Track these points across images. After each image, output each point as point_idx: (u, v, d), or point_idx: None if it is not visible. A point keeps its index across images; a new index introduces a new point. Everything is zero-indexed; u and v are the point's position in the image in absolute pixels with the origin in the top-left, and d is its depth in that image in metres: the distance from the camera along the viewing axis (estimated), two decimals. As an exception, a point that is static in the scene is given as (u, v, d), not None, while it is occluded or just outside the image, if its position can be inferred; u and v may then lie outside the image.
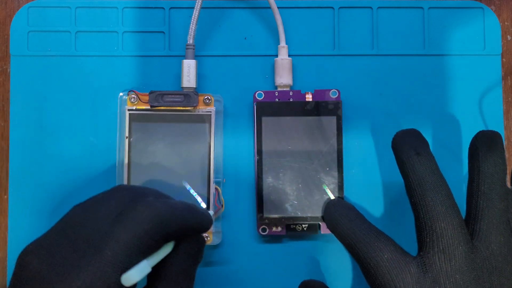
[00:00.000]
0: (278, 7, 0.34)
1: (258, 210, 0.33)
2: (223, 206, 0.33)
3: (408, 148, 0.27)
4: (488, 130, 0.28)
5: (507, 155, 0.35)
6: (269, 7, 0.34)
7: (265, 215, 0.33)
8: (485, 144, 0.27)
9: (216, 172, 0.33)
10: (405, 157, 0.27)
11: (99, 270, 0.22)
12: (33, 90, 0.34)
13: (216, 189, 0.32)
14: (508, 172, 0.34)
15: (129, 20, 0.35)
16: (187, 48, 0.33)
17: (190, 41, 0.33)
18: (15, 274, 0.23)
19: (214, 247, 0.33)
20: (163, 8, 0.35)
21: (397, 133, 0.28)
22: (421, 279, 0.25)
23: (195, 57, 0.33)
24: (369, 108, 0.34)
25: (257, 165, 0.33)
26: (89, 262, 0.22)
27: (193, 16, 0.33)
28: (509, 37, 0.36)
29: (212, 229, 0.32)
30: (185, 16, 0.35)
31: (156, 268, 0.25)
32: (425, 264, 0.25)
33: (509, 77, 0.35)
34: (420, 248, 0.26)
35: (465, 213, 0.28)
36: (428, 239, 0.26)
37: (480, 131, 0.28)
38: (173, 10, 0.35)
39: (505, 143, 0.35)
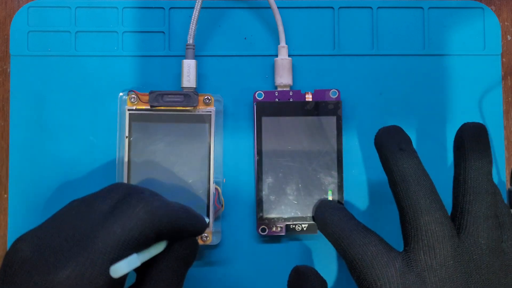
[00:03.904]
0: (278, 7, 0.34)
1: (258, 210, 0.33)
2: (223, 206, 0.33)
3: (391, 144, 0.27)
4: (473, 123, 0.28)
5: (507, 155, 0.35)
6: (269, 7, 0.34)
7: (265, 215, 0.33)
8: (471, 137, 0.27)
9: (216, 172, 0.33)
10: (389, 153, 0.27)
11: (88, 260, 0.22)
12: (33, 90, 0.34)
13: (216, 189, 0.32)
14: (508, 172, 0.34)
15: (129, 20, 0.35)
16: (187, 48, 0.33)
17: (190, 41, 0.33)
18: (6, 258, 0.23)
19: (214, 247, 0.33)
20: (163, 8, 0.35)
21: (379, 130, 0.28)
22: (406, 274, 0.24)
23: (195, 57, 0.33)
24: (369, 108, 0.35)
25: (257, 165, 0.33)
26: (79, 252, 0.22)
27: (193, 16, 0.33)
28: (509, 37, 0.36)
29: (211, 229, 0.32)
30: (185, 16, 0.35)
31: (145, 266, 0.25)
32: (409, 259, 0.25)
33: (509, 77, 0.35)
34: (405, 244, 0.26)
35: (452, 207, 0.27)
36: (412, 234, 0.25)
37: (465, 123, 0.28)
38: (173, 10, 0.35)
39: (505, 143, 0.35)
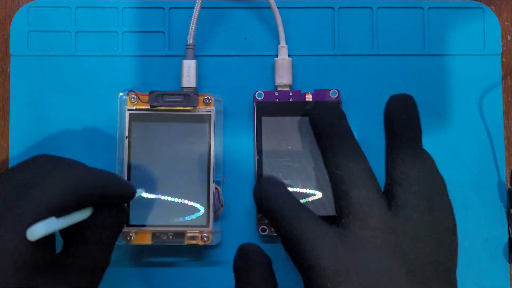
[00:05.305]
0: (278, 7, 0.34)
1: (258, 210, 0.33)
2: (223, 205, 0.33)
3: (322, 120, 0.27)
4: (400, 94, 0.28)
5: (507, 155, 0.35)
6: (269, 7, 0.34)
7: (265, 215, 0.33)
8: (397, 108, 0.27)
9: (216, 171, 0.33)
10: (320, 129, 0.27)
11: (2, 229, 0.22)
12: (33, 90, 0.34)
13: (216, 188, 0.32)
14: (508, 172, 0.34)
15: (129, 20, 0.35)
16: (187, 48, 0.33)
17: (190, 41, 0.33)
18: None
19: (214, 247, 0.33)
20: (163, 8, 0.35)
21: (313, 107, 0.28)
22: (338, 248, 0.24)
23: (195, 57, 0.33)
24: (369, 108, 0.34)
25: (257, 165, 0.33)
26: None
27: (193, 16, 0.33)
28: (509, 37, 0.36)
29: (211, 228, 0.32)
30: (185, 16, 0.35)
31: (71, 234, 0.25)
32: (342, 234, 0.25)
33: (509, 77, 0.35)
34: (338, 217, 0.26)
35: (385, 180, 0.27)
36: (343, 207, 0.25)
37: (392, 96, 0.28)
38: (173, 10, 0.35)
39: (505, 143, 0.35)
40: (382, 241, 0.24)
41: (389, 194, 0.26)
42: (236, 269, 0.27)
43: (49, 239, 0.23)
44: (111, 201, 0.26)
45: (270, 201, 0.27)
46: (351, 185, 0.26)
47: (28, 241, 0.22)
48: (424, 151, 0.27)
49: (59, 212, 0.23)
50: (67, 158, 0.26)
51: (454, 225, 0.26)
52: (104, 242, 0.26)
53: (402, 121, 0.27)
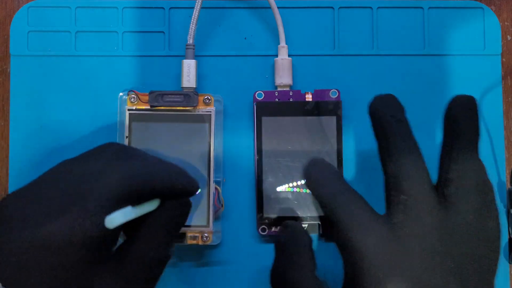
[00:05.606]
0: (278, 7, 0.34)
1: (258, 210, 0.33)
2: (223, 206, 0.33)
3: (386, 112, 0.27)
4: (465, 96, 0.28)
5: (507, 155, 0.35)
6: (269, 7, 0.34)
7: (265, 215, 0.33)
8: (460, 109, 0.27)
9: (216, 172, 0.33)
10: (384, 121, 0.27)
11: (82, 211, 0.22)
12: (33, 90, 0.34)
13: (216, 189, 0.32)
14: (508, 172, 0.34)
15: (129, 20, 0.35)
16: (187, 48, 0.33)
17: (190, 41, 0.33)
18: None
19: (214, 247, 0.33)
20: (163, 8, 0.35)
21: (374, 97, 0.28)
22: (390, 241, 0.24)
23: (195, 57, 0.33)
24: (369, 108, 0.34)
25: (257, 165, 0.33)
26: (74, 204, 0.22)
27: (193, 16, 0.33)
28: (509, 37, 0.36)
29: (212, 228, 0.32)
30: (185, 16, 0.35)
31: (136, 224, 0.25)
32: (395, 227, 0.25)
33: (509, 77, 0.35)
34: (388, 208, 0.26)
35: (437, 177, 0.27)
36: (399, 202, 0.25)
37: (456, 96, 0.28)
38: (173, 10, 0.35)
39: (505, 143, 0.35)
40: (430, 239, 0.24)
41: (441, 193, 0.26)
42: (279, 243, 0.28)
43: (118, 229, 0.24)
44: (176, 193, 0.26)
45: (322, 185, 0.27)
46: (406, 178, 0.25)
47: (103, 229, 0.22)
48: (480, 161, 0.27)
49: (133, 201, 0.23)
50: (135, 148, 0.27)
51: (499, 234, 0.26)
52: (166, 235, 0.26)
53: (464, 123, 0.27)
